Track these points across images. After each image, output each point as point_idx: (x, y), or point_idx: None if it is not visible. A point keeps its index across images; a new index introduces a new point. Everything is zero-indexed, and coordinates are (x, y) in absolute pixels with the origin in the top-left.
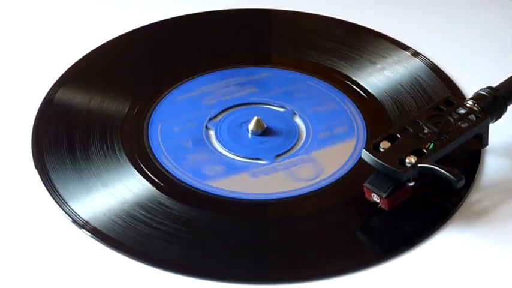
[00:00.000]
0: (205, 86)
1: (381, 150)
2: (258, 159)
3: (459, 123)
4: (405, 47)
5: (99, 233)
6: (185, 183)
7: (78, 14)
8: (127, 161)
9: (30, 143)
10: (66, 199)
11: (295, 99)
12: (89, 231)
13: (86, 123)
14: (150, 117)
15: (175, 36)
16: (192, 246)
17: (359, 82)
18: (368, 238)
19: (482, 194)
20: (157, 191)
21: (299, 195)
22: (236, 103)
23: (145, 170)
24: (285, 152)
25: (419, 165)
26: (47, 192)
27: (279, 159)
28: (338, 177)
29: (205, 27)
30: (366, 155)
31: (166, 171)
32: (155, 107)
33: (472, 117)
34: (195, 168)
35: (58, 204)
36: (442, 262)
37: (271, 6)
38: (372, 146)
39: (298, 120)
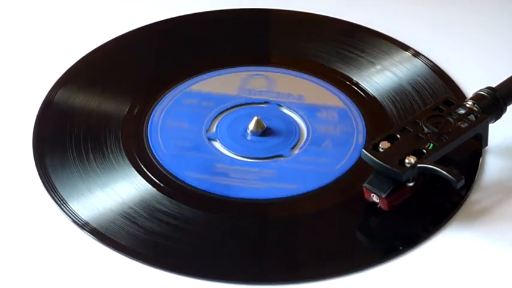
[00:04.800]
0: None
1: (381, 150)
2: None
3: (459, 123)
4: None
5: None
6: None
7: (78, 14)
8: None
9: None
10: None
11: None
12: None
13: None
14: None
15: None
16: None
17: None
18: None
19: (483, 194)
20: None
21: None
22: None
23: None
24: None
25: (418, 165)
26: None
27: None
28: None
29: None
30: (365, 155)
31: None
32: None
33: (472, 117)
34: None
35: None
36: (442, 262)
37: (271, 6)
38: (371, 146)
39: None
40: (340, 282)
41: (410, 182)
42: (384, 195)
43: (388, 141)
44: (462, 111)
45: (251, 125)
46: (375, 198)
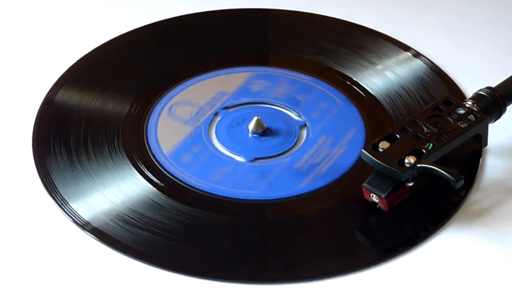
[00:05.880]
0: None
1: (380, 150)
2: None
3: (458, 123)
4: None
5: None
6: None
7: (78, 14)
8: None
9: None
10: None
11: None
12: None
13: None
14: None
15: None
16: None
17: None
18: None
19: (482, 194)
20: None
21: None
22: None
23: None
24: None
25: (418, 165)
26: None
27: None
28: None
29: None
30: (365, 155)
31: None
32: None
33: (471, 117)
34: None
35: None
36: (441, 262)
37: (271, 6)
38: (371, 146)
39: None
40: (340, 282)
41: (409, 182)
42: (383, 195)
43: (388, 141)
44: (462, 111)
45: (251, 125)
46: (375, 198)
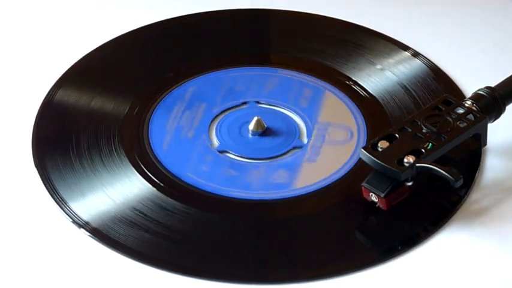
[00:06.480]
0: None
1: (379, 149)
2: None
3: (457, 123)
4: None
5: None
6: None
7: (78, 14)
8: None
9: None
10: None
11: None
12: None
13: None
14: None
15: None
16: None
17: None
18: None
19: (482, 194)
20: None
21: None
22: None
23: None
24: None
25: (417, 164)
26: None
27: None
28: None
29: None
30: (364, 155)
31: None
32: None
33: (471, 117)
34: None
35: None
36: (441, 262)
37: (271, 6)
38: (370, 146)
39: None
40: (340, 282)
41: (409, 182)
42: (382, 195)
43: (387, 141)
44: (461, 111)
45: (251, 125)
46: (374, 198)
